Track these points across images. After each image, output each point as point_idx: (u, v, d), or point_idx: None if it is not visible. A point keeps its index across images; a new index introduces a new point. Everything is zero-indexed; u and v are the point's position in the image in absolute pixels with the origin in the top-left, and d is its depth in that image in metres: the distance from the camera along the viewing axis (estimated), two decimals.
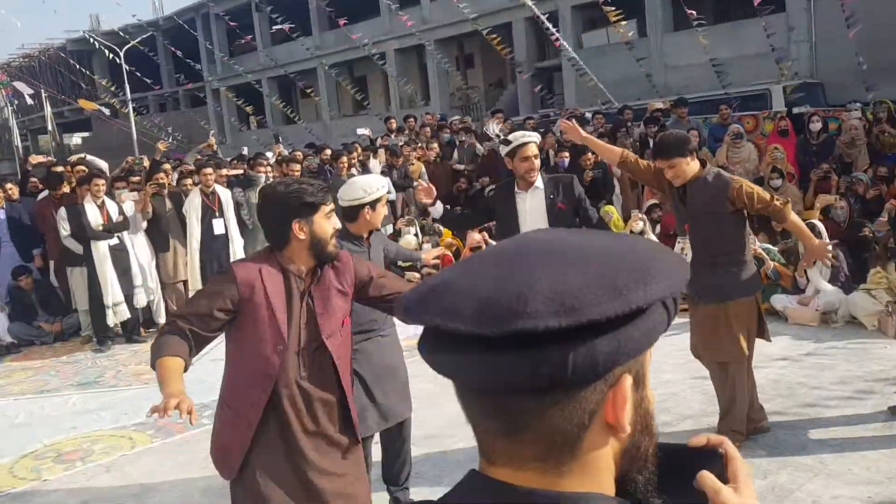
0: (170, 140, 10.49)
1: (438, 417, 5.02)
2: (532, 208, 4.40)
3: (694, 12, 13.16)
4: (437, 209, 4.74)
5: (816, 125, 9.15)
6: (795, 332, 6.46)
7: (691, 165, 4.15)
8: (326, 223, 2.57)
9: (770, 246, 7.40)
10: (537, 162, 4.41)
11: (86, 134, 30.97)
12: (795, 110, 10.73)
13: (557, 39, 14.49)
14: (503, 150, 4.50)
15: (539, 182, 4.41)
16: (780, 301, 6.87)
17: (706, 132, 10.22)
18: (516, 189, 4.45)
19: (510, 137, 4.45)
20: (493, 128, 4.48)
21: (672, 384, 5.50)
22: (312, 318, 2.58)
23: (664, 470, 0.83)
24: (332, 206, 2.61)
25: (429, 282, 0.74)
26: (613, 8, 13.48)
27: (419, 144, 11.45)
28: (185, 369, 2.49)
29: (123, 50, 24.15)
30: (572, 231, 0.80)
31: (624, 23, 13.89)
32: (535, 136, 4.50)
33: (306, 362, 2.60)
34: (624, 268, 0.69)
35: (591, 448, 0.73)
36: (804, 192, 8.59)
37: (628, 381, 0.72)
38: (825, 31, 18.72)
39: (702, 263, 4.18)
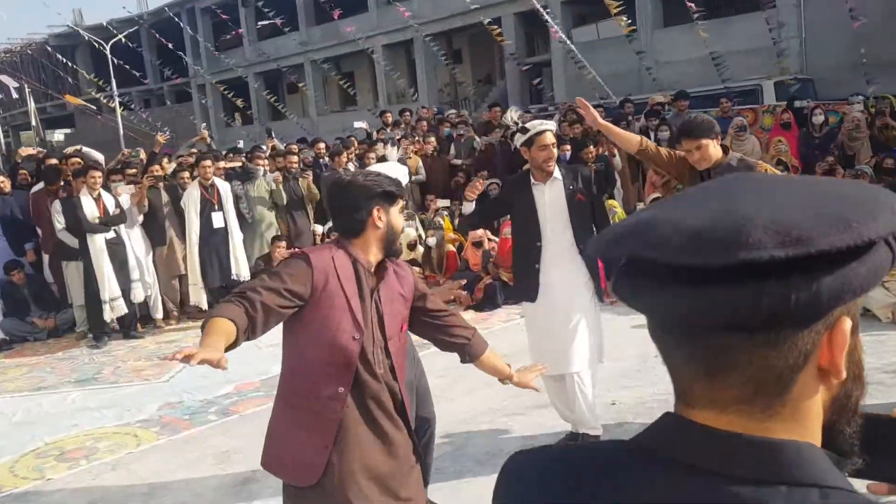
0: (167, 133, 10.26)
1: (451, 413, 4.92)
2: (551, 200, 4.21)
3: (693, 4, 13.08)
4: (469, 206, 4.61)
5: (819, 118, 9.13)
6: None
7: (716, 149, 4.14)
8: (399, 217, 2.54)
9: None
10: (556, 151, 4.24)
11: (68, 130, 30.49)
12: (795, 104, 10.69)
13: (557, 31, 14.32)
14: (518, 139, 4.28)
15: (557, 173, 4.21)
16: None
17: None
18: (532, 181, 4.23)
19: (527, 125, 4.24)
20: (512, 115, 4.26)
21: None
22: (379, 317, 2.45)
23: (866, 436, 0.78)
24: (405, 202, 2.65)
25: (630, 218, 0.71)
26: (614, 1, 13.37)
27: (416, 138, 11.32)
28: (236, 343, 2.25)
29: (110, 44, 23.79)
30: (769, 176, 0.75)
31: (625, 17, 13.78)
32: (552, 125, 4.31)
33: (381, 358, 2.47)
34: (848, 201, 0.65)
35: (802, 393, 0.69)
36: None
37: (847, 323, 0.68)
38: (815, 28, 18.78)
39: None
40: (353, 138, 11.64)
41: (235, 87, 26.36)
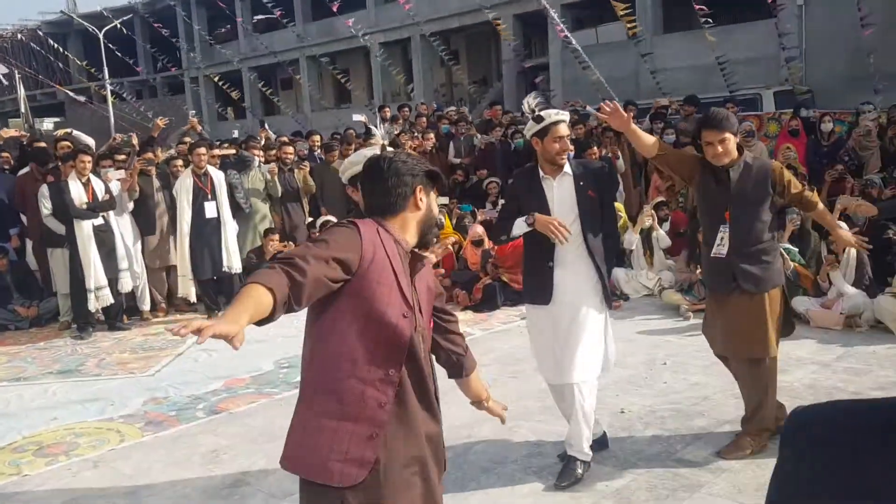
0: (167, 119, 9.95)
1: (450, 418, 4.68)
2: (561, 196, 3.89)
3: (705, 7, 12.92)
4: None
5: (828, 126, 8.96)
6: (820, 336, 6.21)
7: (735, 146, 4.01)
8: (436, 204, 2.42)
9: (790, 246, 7.15)
10: (569, 143, 3.90)
11: (58, 119, 30.11)
12: (803, 113, 10.53)
13: (563, 31, 14.14)
14: (530, 128, 3.96)
15: (567, 167, 3.91)
16: (802, 303, 6.62)
17: None
18: (542, 174, 3.93)
19: (542, 114, 3.90)
20: (530, 101, 3.95)
21: (702, 387, 5.21)
22: (418, 302, 2.26)
23: None
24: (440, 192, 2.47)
25: None
26: (624, 3, 13.19)
27: (414, 134, 11.09)
28: (272, 316, 1.97)
29: (103, 31, 23.43)
30: None
31: (632, 21, 13.61)
32: (566, 115, 3.97)
33: (421, 343, 2.27)
34: None
35: None
36: (817, 192, 8.36)
37: None
38: (816, 39, 18.72)
39: (740, 252, 4.03)
40: (351, 131, 11.37)
41: (229, 81, 26.06)
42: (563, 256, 3.91)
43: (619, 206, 8.83)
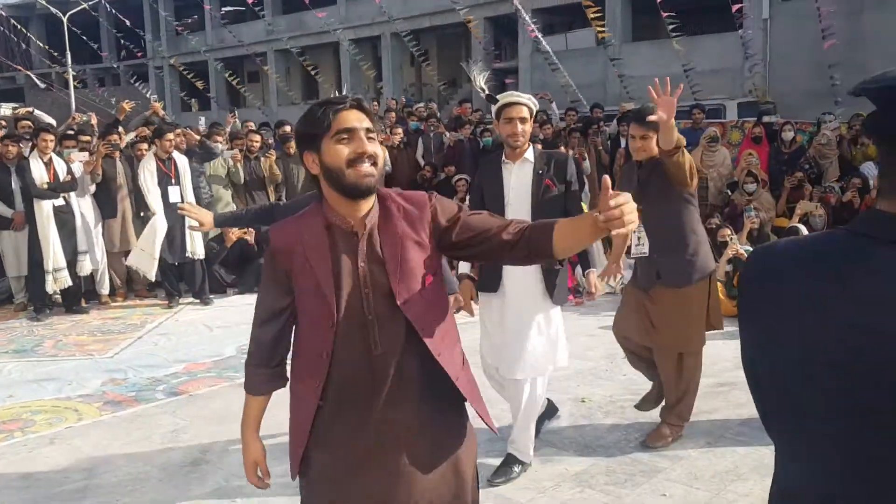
0: (133, 103, 9.79)
1: None
2: (518, 182, 3.80)
3: (675, 13, 13.13)
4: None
5: (789, 134, 9.17)
6: None
7: (656, 147, 3.98)
8: (339, 146, 1.93)
9: (749, 247, 7.30)
10: (524, 127, 3.70)
11: (16, 104, 29.46)
12: (765, 119, 10.76)
13: (534, 31, 14.24)
14: (494, 109, 3.81)
15: (530, 154, 3.81)
16: None
17: None
18: (503, 159, 3.84)
19: (498, 96, 3.80)
20: (479, 80, 3.81)
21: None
22: (380, 280, 1.97)
23: None
24: (349, 124, 1.94)
25: None
26: (594, 7, 13.34)
27: (383, 129, 11.09)
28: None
29: (67, 15, 23.02)
30: None
31: (604, 27, 13.78)
32: (526, 98, 3.73)
33: (381, 335, 1.97)
34: None
35: None
36: (777, 198, 8.57)
37: None
38: (779, 52, 19.12)
39: (658, 248, 4.07)
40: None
41: (195, 72, 25.78)
42: None
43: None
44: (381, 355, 1.98)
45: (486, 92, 3.75)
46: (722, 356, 5.86)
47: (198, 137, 8.44)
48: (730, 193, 8.82)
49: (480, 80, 3.78)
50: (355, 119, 1.96)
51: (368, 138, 1.96)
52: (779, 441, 1.24)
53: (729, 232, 7.38)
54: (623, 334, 4.40)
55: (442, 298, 2.10)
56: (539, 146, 9.53)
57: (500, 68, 24.23)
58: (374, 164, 1.95)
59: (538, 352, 3.80)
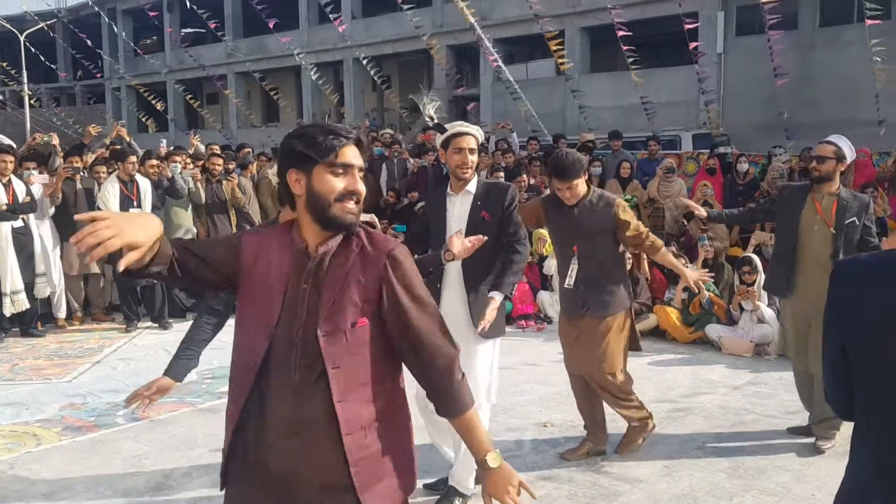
0: (100, 128, 9.71)
1: None
2: (459, 213, 3.76)
3: (626, 47, 13.47)
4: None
5: (744, 166, 9.44)
6: (731, 362, 6.53)
7: (583, 185, 4.24)
8: (333, 179, 1.92)
9: None
10: (473, 158, 3.69)
11: None
12: (721, 150, 11.08)
13: (496, 60, 14.47)
14: (439, 139, 3.82)
15: (472, 186, 3.77)
16: (714, 331, 6.95)
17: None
18: (449, 191, 3.82)
19: (447, 126, 3.77)
20: (429, 109, 3.78)
21: None
22: (315, 307, 1.93)
23: None
24: (348, 159, 1.94)
25: None
26: (557, 39, 13.64)
27: None
28: (160, 253, 1.88)
29: (24, 35, 22.74)
30: None
31: (548, 57, 14.08)
32: (475, 130, 3.76)
33: (299, 363, 1.92)
34: None
35: None
36: (731, 228, 8.80)
37: None
38: (733, 86, 19.70)
39: (589, 280, 4.27)
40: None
41: (154, 93, 25.59)
42: (447, 279, 3.80)
43: (543, 232, 9.06)
44: (297, 381, 1.92)
45: (436, 121, 3.80)
46: (679, 382, 6.02)
47: (170, 175, 8.35)
48: (685, 223, 9.04)
49: (430, 108, 3.86)
50: (353, 156, 1.96)
51: (360, 177, 1.99)
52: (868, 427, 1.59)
53: (683, 261, 7.56)
54: (572, 370, 4.53)
55: (377, 346, 1.98)
56: (501, 174, 9.70)
57: (462, 96, 24.50)
58: (359, 202, 1.97)
59: (474, 382, 3.59)
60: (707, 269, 7.04)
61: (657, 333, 7.43)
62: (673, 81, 19.77)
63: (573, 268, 4.27)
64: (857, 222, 4.52)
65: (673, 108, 19.00)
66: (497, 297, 3.69)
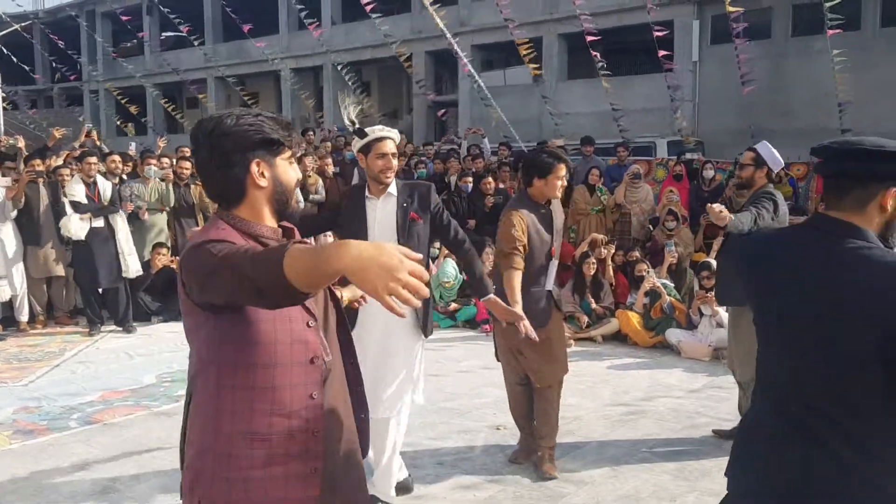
0: (64, 130, 9.70)
1: None
2: (383, 217, 3.69)
3: (598, 54, 13.57)
4: None
5: (709, 172, 9.53)
6: (689, 366, 6.58)
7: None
8: (290, 169, 1.91)
9: (667, 281, 7.56)
10: (395, 162, 3.65)
11: None
12: (689, 156, 11.17)
13: (466, 65, 14.52)
14: (356, 144, 3.69)
15: (393, 188, 3.69)
16: (674, 335, 7.00)
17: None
18: (367, 194, 3.70)
19: (367, 129, 3.64)
20: (350, 112, 3.64)
21: (575, 408, 5.43)
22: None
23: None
24: (296, 151, 1.97)
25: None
26: (527, 44, 13.71)
27: (318, 156, 11.14)
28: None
29: None
30: None
31: (526, 63, 14.16)
32: (395, 134, 3.74)
33: (327, 345, 1.93)
34: None
35: (873, 208, 1.82)
36: (695, 234, 8.88)
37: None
38: (707, 93, 19.87)
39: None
40: None
41: (132, 97, 25.46)
42: None
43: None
44: (331, 362, 1.98)
45: (357, 125, 3.61)
46: (636, 385, 6.06)
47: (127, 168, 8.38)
48: (651, 228, 9.11)
49: (351, 111, 3.61)
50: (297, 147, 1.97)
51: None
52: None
53: (646, 267, 7.64)
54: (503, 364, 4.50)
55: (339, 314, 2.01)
56: (469, 180, 9.73)
57: (440, 101, 24.56)
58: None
59: (404, 385, 3.72)
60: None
61: (619, 338, 7.48)
62: (649, 88, 19.90)
63: (552, 269, 4.22)
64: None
65: (649, 114, 19.13)
66: (496, 297, 3.78)
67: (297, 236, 1.96)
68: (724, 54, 18.30)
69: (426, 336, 3.80)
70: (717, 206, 4.19)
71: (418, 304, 1.44)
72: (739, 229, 4.26)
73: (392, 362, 3.68)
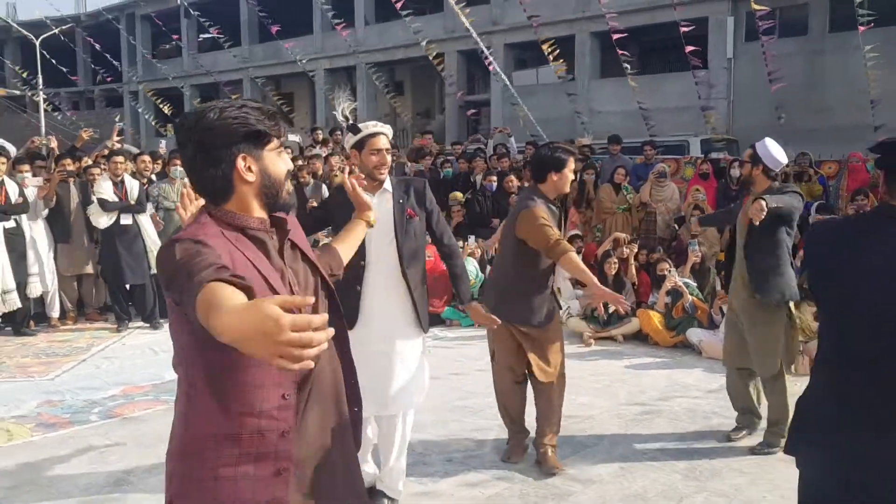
0: (94, 131, 9.94)
1: None
2: (380, 214, 3.53)
3: (627, 53, 13.47)
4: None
5: (736, 171, 9.39)
6: (708, 365, 6.49)
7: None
8: (280, 160, 1.87)
9: (689, 281, 7.47)
10: (389, 158, 3.64)
11: None
12: (714, 156, 11.04)
13: (491, 64, 14.51)
14: (349, 140, 3.67)
15: (388, 184, 3.66)
16: (695, 335, 6.92)
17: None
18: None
19: (360, 125, 3.63)
20: (344, 109, 3.56)
21: (588, 407, 5.41)
22: (294, 284, 1.88)
23: None
24: (284, 141, 1.91)
25: None
26: (552, 42, 13.67)
27: (343, 156, 11.23)
28: None
29: (40, 39, 23.09)
30: None
31: (554, 61, 14.10)
32: (388, 129, 3.70)
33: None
34: None
35: None
36: (721, 233, 8.77)
37: None
38: (742, 91, 19.60)
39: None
40: (288, 150, 11.37)
41: (170, 98, 25.88)
42: (373, 280, 3.63)
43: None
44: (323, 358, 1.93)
45: (350, 121, 3.57)
46: (653, 385, 6.01)
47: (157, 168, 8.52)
48: (677, 227, 9.02)
49: (345, 107, 3.52)
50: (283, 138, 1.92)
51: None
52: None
53: (668, 266, 7.56)
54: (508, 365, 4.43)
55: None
56: (493, 179, 9.72)
57: (472, 101, 24.55)
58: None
59: (412, 382, 3.72)
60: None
61: (640, 337, 7.42)
62: (682, 87, 19.68)
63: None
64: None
65: (683, 112, 18.93)
66: (478, 304, 3.92)
67: (290, 225, 1.94)
68: (759, 51, 18.02)
69: (425, 331, 3.79)
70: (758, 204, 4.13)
71: (310, 364, 1.34)
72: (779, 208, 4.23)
73: (397, 360, 3.67)
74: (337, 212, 3.67)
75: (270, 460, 1.79)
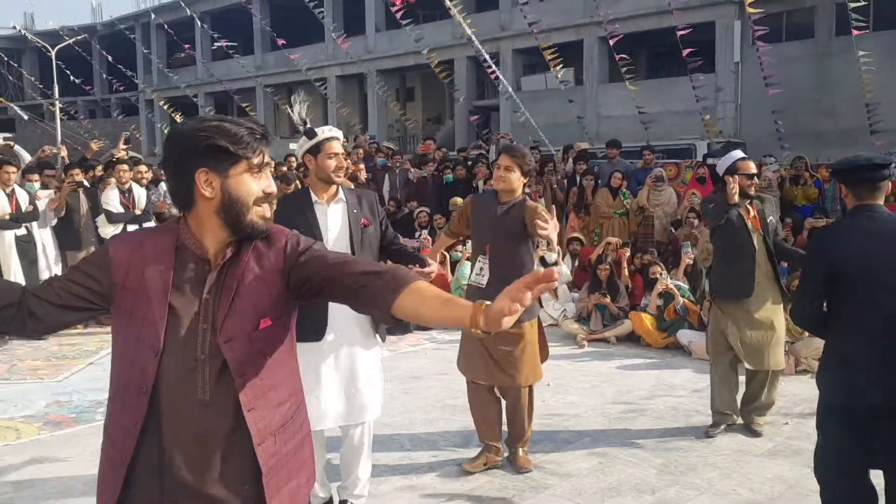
0: (103, 140, 10.21)
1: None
2: (334, 222, 3.60)
3: (627, 56, 13.61)
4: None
5: None
6: (697, 366, 6.62)
7: (519, 183, 4.19)
8: (251, 181, 1.79)
9: (680, 283, 7.62)
10: (346, 162, 3.62)
11: (8, 135, 29.92)
12: (710, 161, 11.14)
13: (494, 72, 14.70)
14: (303, 145, 3.57)
15: (342, 193, 3.63)
16: (685, 336, 7.06)
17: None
18: (315, 200, 3.59)
19: (316, 130, 3.54)
20: (300, 111, 3.33)
21: (576, 406, 5.57)
22: (213, 316, 1.78)
23: None
24: (262, 158, 1.81)
25: None
26: (554, 50, 13.84)
27: (350, 162, 11.44)
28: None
29: (55, 49, 23.56)
30: None
31: (561, 68, 14.25)
32: (340, 134, 3.66)
33: (210, 378, 1.76)
34: None
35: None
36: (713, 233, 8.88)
37: None
38: (749, 95, 19.66)
39: (498, 284, 4.22)
40: (292, 159, 11.53)
41: (184, 106, 26.27)
42: None
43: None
44: (207, 404, 1.76)
45: (308, 125, 3.47)
46: (640, 385, 6.16)
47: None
48: (674, 231, 9.15)
49: (302, 110, 3.40)
50: (266, 154, 1.82)
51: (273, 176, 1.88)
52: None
53: (659, 269, 7.70)
54: (469, 374, 4.45)
55: (280, 347, 1.88)
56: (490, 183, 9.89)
57: (481, 106, 24.75)
58: (272, 205, 1.85)
59: (375, 390, 3.72)
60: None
61: (632, 339, 7.56)
62: (690, 90, 19.77)
63: (481, 266, 4.25)
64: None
65: (690, 116, 19.01)
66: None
67: (242, 256, 1.83)
68: (766, 55, 18.14)
69: (383, 341, 3.80)
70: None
71: None
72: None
73: (361, 369, 3.64)
74: (293, 221, 3.42)
75: (118, 449, 1.84)
